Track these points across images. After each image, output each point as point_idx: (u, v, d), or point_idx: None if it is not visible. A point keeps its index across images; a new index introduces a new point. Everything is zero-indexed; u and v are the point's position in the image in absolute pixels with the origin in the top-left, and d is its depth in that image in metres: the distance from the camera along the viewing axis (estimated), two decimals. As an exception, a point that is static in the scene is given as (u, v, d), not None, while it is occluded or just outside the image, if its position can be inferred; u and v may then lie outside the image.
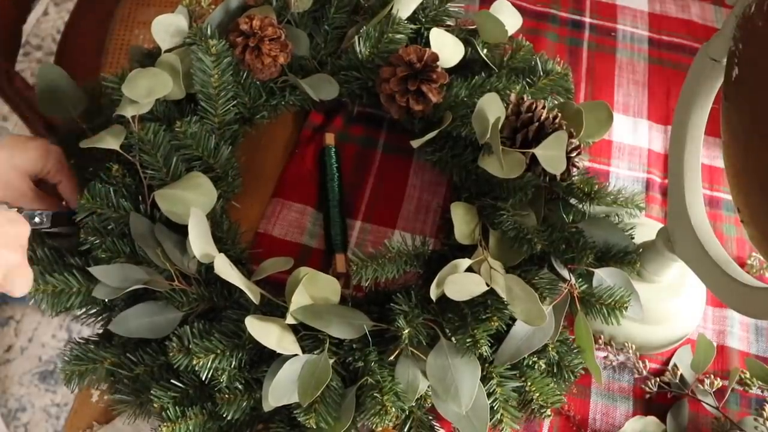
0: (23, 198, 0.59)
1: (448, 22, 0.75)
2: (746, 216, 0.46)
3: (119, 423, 0.61)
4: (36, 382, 1.37)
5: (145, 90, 0.60)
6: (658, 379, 0.63)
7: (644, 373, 0.63)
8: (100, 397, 0.62)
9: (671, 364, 0.64)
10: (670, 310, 0.65)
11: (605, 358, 0.64)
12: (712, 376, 0.61)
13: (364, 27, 0.70)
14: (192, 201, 0.58)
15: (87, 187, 0.59)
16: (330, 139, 0.74)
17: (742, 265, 0.71)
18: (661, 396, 0.63)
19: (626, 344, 0.63)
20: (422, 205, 0.72)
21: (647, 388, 0.62)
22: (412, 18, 0.72)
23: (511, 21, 0.74)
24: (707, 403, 0.61)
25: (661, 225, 0.69)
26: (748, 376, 0.63)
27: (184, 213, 0.56)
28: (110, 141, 0.59)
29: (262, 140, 0.75)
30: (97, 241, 0.58)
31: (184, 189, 0.59)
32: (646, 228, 0.67)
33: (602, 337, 0.64)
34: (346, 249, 0.68)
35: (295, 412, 0.52)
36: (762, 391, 0.63)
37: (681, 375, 0.63)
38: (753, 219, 0.45)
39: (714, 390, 0.61)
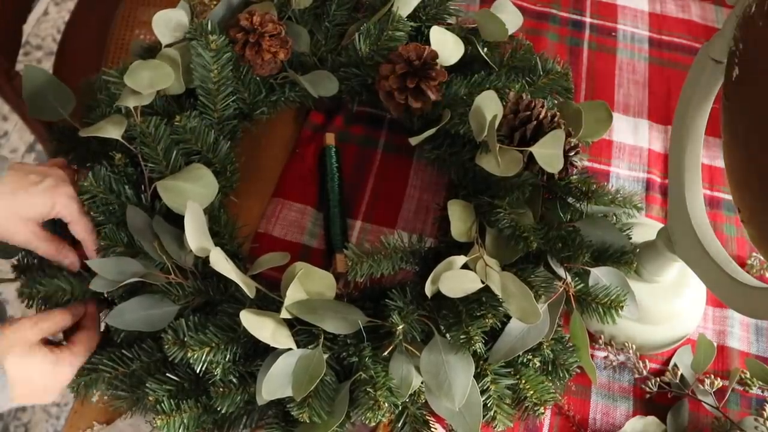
0: (27, 245, 0.56)
1: (449, 21, 0.75)
2: (746, 216, 0.46)
3: (120, 423, 0.61)
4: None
5: (147, 81, 0.60)
6: (658, 379, 0.62)
7: (644, 373, 0.62)
8: (100, 397, 0.61)
9: (671, 364, 0.64)
10: (670, 310, 0.64)
11: (605, 358, 0.64)
12: (713, 376, 0.61)
13: (365, 24, 0.71)
14: (193, 193, 0.58)
15: (91, 171, 0.58)
16: (330, 138, 0.74)
17: (742, 265, 0.70)
18: (661, 396, 0.62)
19: (626, 344, 0.63)
20: (422, 205, 0.72)
21: (647, 388, 0.62)
22: (413, 16, 0.72)
23: (512, 20, 0.74)
24: (707, 403, 0.61)
25: (661, 225, 0.68)
26: (748, 376, 0.63)
27: (185, 204, 0.55)
28: (111, 130, 0.59)
29: (262, 140, 0.75)
30: (97, 228, 0.59)
31: (186, 180, 0.59)
32: (646, 228, 0.66)
33: (602, 337, 0.64)
34: (346, 249, 0.68)
35: (288, 406, 0.52)
36: (762, 391, 0.63)
37: (681, 375, 0.62)
38: (753, 219, 0.45)
39: (714, 390, 0.60)
